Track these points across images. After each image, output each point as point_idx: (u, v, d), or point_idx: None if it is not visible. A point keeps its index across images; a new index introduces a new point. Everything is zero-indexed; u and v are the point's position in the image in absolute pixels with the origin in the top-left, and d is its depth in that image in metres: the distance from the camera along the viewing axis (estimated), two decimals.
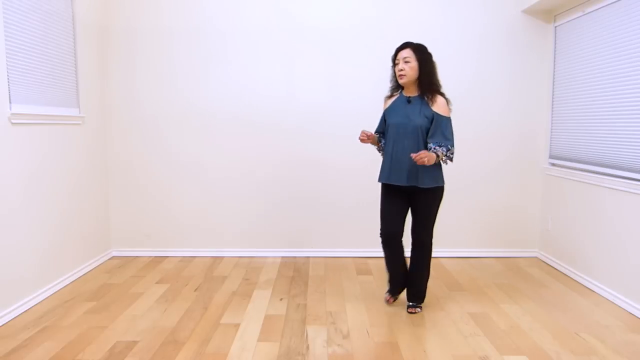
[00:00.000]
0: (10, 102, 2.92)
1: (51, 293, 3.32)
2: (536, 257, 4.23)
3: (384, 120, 3.06)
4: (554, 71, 4.02)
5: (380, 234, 3.04)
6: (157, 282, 3.56)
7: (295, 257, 4.26)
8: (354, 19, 4.09)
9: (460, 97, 4.14)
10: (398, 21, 4.08)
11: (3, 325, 2.82)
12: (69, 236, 3.58)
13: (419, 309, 3.03)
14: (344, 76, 4.12)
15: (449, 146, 2.80)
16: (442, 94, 2.88)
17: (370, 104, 4.12)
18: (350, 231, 4.25)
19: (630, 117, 3.07)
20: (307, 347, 2.55)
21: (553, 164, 4.07)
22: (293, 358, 2.44)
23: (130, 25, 4.10)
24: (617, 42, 3.19)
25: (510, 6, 4.06)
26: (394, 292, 3.16)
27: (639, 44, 2.98)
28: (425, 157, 2.65)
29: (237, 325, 2.82)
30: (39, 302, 3.16)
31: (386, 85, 4.11)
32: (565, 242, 3.80)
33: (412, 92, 2.93)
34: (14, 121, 2.93)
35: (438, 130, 2.81)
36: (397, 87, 3.00)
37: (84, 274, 3.75)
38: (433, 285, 3.52)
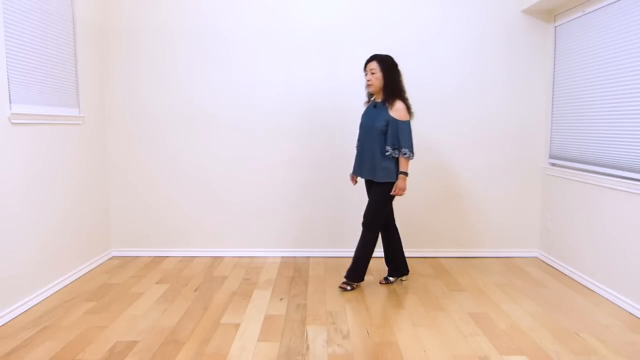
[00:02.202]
0: (10, 102, 2.92)
1: (51, 293, 3.32)
2: (536, 257, 4.24)
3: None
4: (554, 71, 4.02)
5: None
6: (157, 282, 3.56)
7: (295, 257, 4.26)
8: (354, 20, 4.09)
9: (460, 97, 4.15)
10: (398, 21, 4.08)
11: (3, 325, 2.82)
12: (69, 236, 3.58)
13: (348, 287, 3.39)
14: (344, 77, 4.12)
15: (401, 147, 3.20)
16: (404, 100, 3.25)
17: None
18: (350, 231, 4.25)
19: (630, 117, 3.07)
20: (307, 347, 2.56)
21: (553, 164, 4.07)
22: (293, 358, 2.44)
23: (131, 25, 4.10)
24: (617, 42, 3.19)
25: (510, 6, 4.06)
26: (391, 274, 3.57)
27: (639, 44, 2.98)
28: (399, 189, 3.23)
29: (237, 325, 2.83)
30: (39, 302, 3.16)
31: None
32: (565, 242, 3.80)
33: (379, 98, 3.35)
34: (14, 121, 2.93)
35: (393, 133, 3.22)
36: (371, 94, 3.43)
37: (84, 274, 3.75)
38: (433, 285, 3.52)
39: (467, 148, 4.18)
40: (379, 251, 4.26)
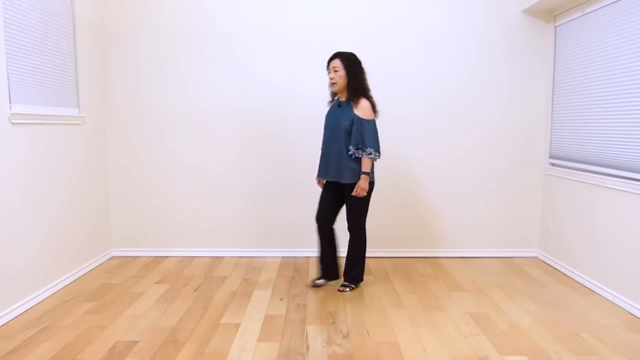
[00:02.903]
0: (10, 102, 2.92)
1: (51, 293, 3.32)
2: (536, 257, 4.24)
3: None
4: (554, 71, 4.02)
5: (315, 218, 3.41)
6: (157, 282, 3.56)
7: (295, 257, 4.26)
8: (354, 20, 4.09)
9: (460, 97, 4.15)
10: (398, 21, 4.09)
11: (3, 325, 2.82)
12: (69, 236, 3.58)
13: (348, 289, 3.37)
14: None
15: (365, 147, 3.12)
16: (368, 98, 3.18)
17: None
18: None
19: (630, 117, 3.07)
20: (307, 347, 2.56)
21: (553, 164, 4.07)
22: (293, 358, 2.44)
23: (131, 25, 4.10)
24: (617, 42, 3.19)
25: (510, 6, 4.06)
26: (323, 275, 3.45)
27: (639, 44, 2.98)
28: (361, 190, 3.13)
29: (237, 325, 2.83)
30: (39, 302, 3.16)
31: (386, 86, 4.14)
32: (565, 242, 3.80)
33: (343, 97, 3.27)
34: (14, 121, 2.93)
35: (357, 132, 3.14)
36: (335, 92, 3.33)
37: (84, 274, 3.75)
38: (433, 285, 3.52)
39: (467, 148, 4.18)
40: (377, 251, 4.26)
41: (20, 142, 3.01)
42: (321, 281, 3.45)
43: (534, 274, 3.79)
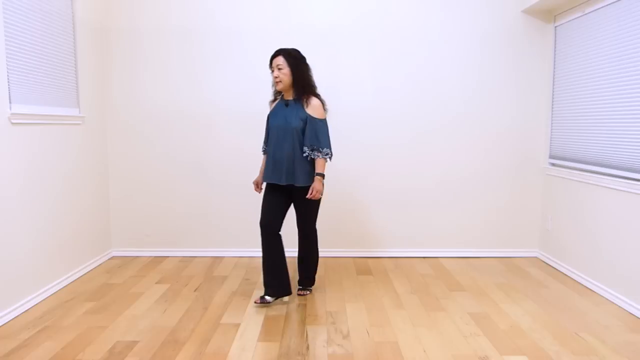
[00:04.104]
0: (10, 102, 2.92)
1: (51, 293, 3.32)
2: (536, 257, 4.23)
3: (267, 123, 3.19)
4: (554, 71, 4.02)
5: (260, 224, 3.12)
6: (157, 282, 3.56)
7: (295, 257, 4.24)
8: (354, 20, 4.09)
9: (460, 96, 4.15)
10: (398, 21, 4.08)
11: (3, 325, 2.82)
12: (69, 236, 3.58)
13: (307, 292, 3.33)
14: (344, 76, 4.13)
15: (320, 148, 2.99)
16: (317, 96, 3.05)
17: (370, 103, 4.13)
18: (350, 231, 4.25)
19: (630, 117, 3.07)
20: (307, 347, 2.56)
21: (553, 164, 4.07)
22: (293, 358, 2.44)
23: (131, 25, 4.10)
24: (617, 42, 3.19)
25: (510, 6, 4.06)
26: (275, 292, 3.10)
27: (639, 44, 2.98)
28: (317, 192, 2.97)
29: (237, 325, 2.82)
30: (39, 302, 3.16)
31: (386, 85, 4.14)
32: (565, 242, 3.80)
33: (290, 95, 3.09)
34: (14, 121, 2.93)
35: (311, 132, 2.99)
36: (279, 91, 3.14)
37: (84, 274, 3.75)
38: (433, 285, 3.52)
39: (467, 148, 4.18)
40: (377, 251, 4.26)
41: (20, 142, 3.01)
42: (270, 298, 3.09)
43: (534, 274, 3.79)
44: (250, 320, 2.90)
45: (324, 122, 3.03)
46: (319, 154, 2.99)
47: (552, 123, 4.06)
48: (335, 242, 4.27)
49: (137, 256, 4.25)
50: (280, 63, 2.99)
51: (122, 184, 4.23)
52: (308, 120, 2.99)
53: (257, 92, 4.14)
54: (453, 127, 4.16)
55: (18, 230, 2.99)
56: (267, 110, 4.16)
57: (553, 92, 4.04)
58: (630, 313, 3.01)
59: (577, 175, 3.62)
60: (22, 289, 3.03)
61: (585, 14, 3.55)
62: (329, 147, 3.02)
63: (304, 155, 3.00)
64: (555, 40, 4.01)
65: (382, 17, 4.08)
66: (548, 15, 4.05)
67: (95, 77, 3.99)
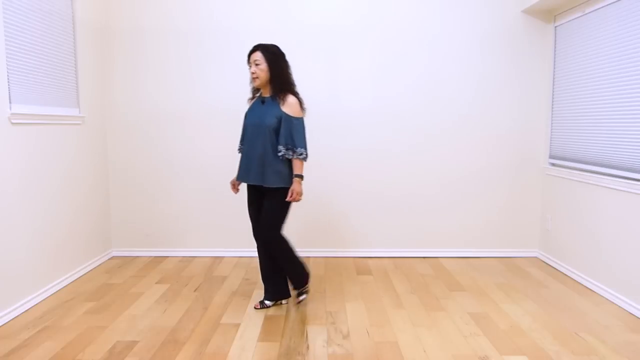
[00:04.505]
0: (10, 102, 2.92)
1: (51, 293, 3.32)
2: (536, 257, 4.24)
3: (244, 121, 3.09)
4: (554, 71, 4.02)
5: (254, 237, 3.09)
6: (157, 282, 3.56)
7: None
8: (354, 20, 4.09)
9: (459, 97, 4.15)
10: (398, 21, 4.08)
11: (3, 325, 2.82)
12: (69, 236, 3.58)
13: (305, 295, 3.14)
14: (344, 75, 4.12)
15: (295, 147, 2.86)
16: (295, 94, 2.92)
17: (371, 102, 4.13)
18: (350, 231, 4.25)
19: (630, 117, 3.07)
20: (307, 347, 2.56)
21: (553, 164, 4.07)
22: (293, 358, 2.44)
23: (131, 25, 4.10)
24: (617, 42, 3.19)
25: (510, 6, 4.06)
26: (268, 297, 3.11)
27: (639, 44, 2.98)
28: (296, 194, 2.86)
29: (237, 325, 2.82)
30: (39, 302, 3.16)
31: (386, 85, 4.14)
32: (565, 242, 3.80)
33: (267, 92, 2.96)
34: (14, 121, 2.93)
35: (286, 131, 2.86)
36: (257, 88, 3.02)
37: (84, 274, 3.75)
38: (433, 285, 3.52)
39: (467, 148, 4.18)
40: (377, 251, 4.26)
41: (20, 142, 3.01)
42: (270, 303, 3.10)
43: (534, 274, 3.79)
44: (250, 320, 2.90)
45: (300, 120, 2.88)
46: (294, 154, 2.87)
47: (552, 123, 4.06)
48: (335, 242, 4.27)
49: (137, 256, 4.25)
50: (258, 58, 2.86)
51: (122, 184, 4.23)
52: (283, 118, 2.85)
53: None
54: (453, 127, 4.16)
55: (18, 230, 2.99)
56: None
57: (553, 92, 4.04)
58: (630, 313, 3.01)
59: (577, 175, 3.62)
60: (22, 289, 3.03)
61: (585, 14, 3.55)
62: (304, 147, 2.88)
63: (279, 154, 2.86)
64: (555, 41, 4.01)
65: (382, 18, 4.08)
66: (548, 15, 4.05)
67: (95, 77, 3.99)
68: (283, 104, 2.87)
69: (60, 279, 3.45)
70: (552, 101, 4.05)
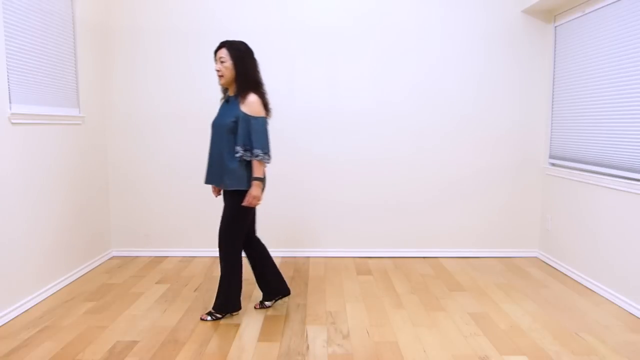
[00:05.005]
0: (10, 102, 2.92)
1: (51, 293, 3.32)
2: (536, 257, 4.24)
3: None
4: (554, 71, 4.02)
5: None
6: (157, 282, 3.56)
7: (295, 257, 4.26)
8: (354, 21, 4.09)
9: (460, 97, 4.15)
10: (398, 21, 4.08)
11: (3, 325, 2.82)
12: (69, 236, 3.58)
13: (209, 318, 2.89)
14: (344, 75, 4.12)
15: (253, 149, 2.70)
16: (258, 92, 2.76)
17: (371, 102, 4.13)
18: (350, 231, 4.25)
19: (630, 117, 3.07)
20: (307, 347, 2.56)
21: (553, 164, 4.07)
22: (293, 358, 2.44)
23: (131, 25, 4.10)
24: (617, 42, 3.19)
25: (510, 6, 4.06)
26: (267, 297, 3.08)
27: (639, 44, 2.98)
28: (252, 198, 2.70)
29: (237, 325, 2.82)
30: (39, 302, 3.16)
31: (387, 85, 4.14)
32: (565, 242, 3.80)
33: (232, 92, 2.85)
34: (14, 121, 2.93)
35: (244, 131, 2.71)
36: (226, 88, 2.91)
37: (84, 274, 3.75)
38: (433, 285, 3.52)
39: (467, 147, 4.18)
40: (377, 251, 4.26)
41: (20, 142, 3.01)
42: (269, 302, 3.09)
43: (534, 274, 3.79)
44: (250, 320, 2.90)
45: (259, 120, 2.70)
46: (251, 155, 2.71)
47: (552, 123, 4.06)
48: (335, 242, 4.27)
49: (137, 256, 4.25)
50: (223, 56, 2.74)
51: (122, 184, 4.23)
52: (241, 118, 2.70)
53: None
54: (453, 127, 4.16)
55: (18, 230, 2.99)
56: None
57: (553, 92, 4.04)
58: (630, 313, 3.01)
59: (577, 175, 3.62)
60: (22, 289, 3.03)
61: (585, 14, 3.55)
62: (262, 147, 2.69)
63: (236, 155, 2.71)
64: (555, 41, 4.01)
65: (381, 18, 4.08)
66: (548, 15, 4.05)
67: (95, 77, 3.99)
68: (242, 102, 2.72)
69: (60, 279, 3.45)
70: (552, 101, 4.05)
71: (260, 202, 2.77)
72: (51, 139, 3.35)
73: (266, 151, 2.71)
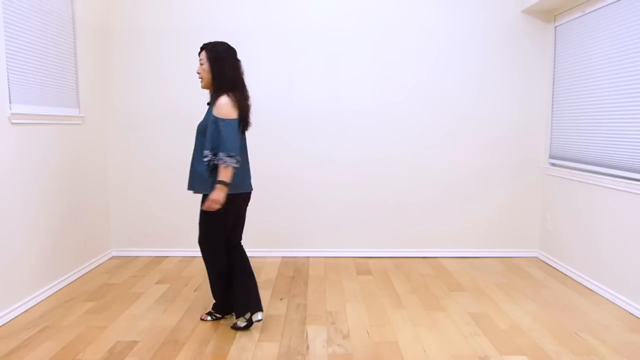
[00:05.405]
0: (10, 102, 2.92)
1: (51, 293, 3.32)
2: (536, 257, 4.24)
3: None
4: (554, 71, 4.02)
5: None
6: (157, 282, 3.56)
7: (295, 257, 4.26)
8: (354, 21, 4.09)
9: (460, 97, 4.15)
10: (398, 21, 4.08)
11: (3, 325, 2.82)
12: (69, 236, 3.58)
13: (208, 317, 2.90)
14: (345, 75, 4.12)
15: (219, 153, 2.57)
16: (230, 95, 2.62)
17: (371, 103, 4.13)
18: (350, 231, 4.25)
19: (630, 117, 3.07)
20: (307, 347, 2.56)
21: (553, 164, 4.07)
22: (293, 358, 2.44)
23: (131, 25, 4.10)
24: (617, 42, 3.19)
25: (510, 6, 4.06)
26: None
27: (639, 44, 2.98)
28: (211, 202, 2.56)
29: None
30: (39, 302, 3.16)
31: (387, 85, 4.14)
32: (565, 242, 3.80)
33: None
34: (14, 121, 2.93)
35: (211, 135, 2.59)
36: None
37: (84, 274, 3.75)
38: (433, 285, 3.52)
39: (467, 147, 4.18)
40: (377, 251, 4.26)
41: (20, 142, 3.01)
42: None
43: (534, 274, 3.79)
44: None
45: (227, 122, 2.56)
46: (217, 159, 2.58)
47: (552, 123, 4.06)
48: (335, 242, 4.27)
49: (137, 256, 4.25)
50: (202, 58, 2.68)
51: (122, 184, 4.23)
52: (210, 121, 2.61)
53: (257, 93, 4.14)
54: (453, 127, 4.16)
55: (18, 230, 2.99)
56: (266, 110, 4.18)
57: (553, 92, 4.04)
58: (630, 313, 3.01)
59: (577, 175, 3.62)
60: (22, 289, 3.03)
61: (585, 14, 3.55)
62: (228, 150, 2.54)
63: (204, 159, 2.60)
64: (555, 41, 4.01)
65: (382, 18, 4.08)
66: (548, 15, 4.05)
67: (95, 77, 3.99)
68: (214, 105, 2.62)
69: (60, 279, 3.45)
70: (552, 101, 4.05)
71: (220, 206, 2.58)
72: (51, 139, 3.35)
73: (232, 155, 2.55)
